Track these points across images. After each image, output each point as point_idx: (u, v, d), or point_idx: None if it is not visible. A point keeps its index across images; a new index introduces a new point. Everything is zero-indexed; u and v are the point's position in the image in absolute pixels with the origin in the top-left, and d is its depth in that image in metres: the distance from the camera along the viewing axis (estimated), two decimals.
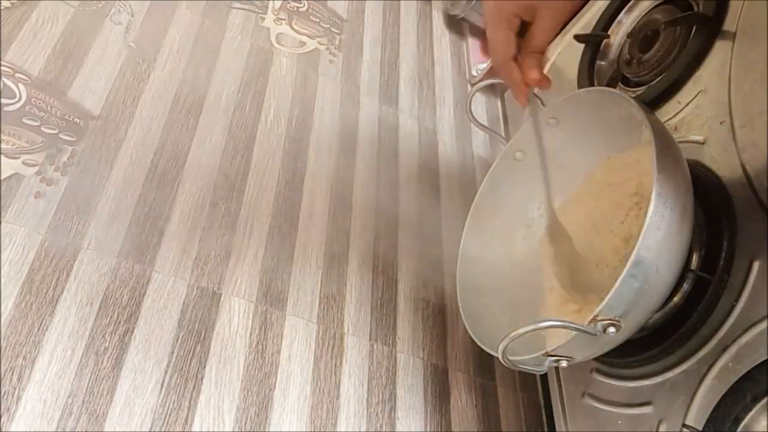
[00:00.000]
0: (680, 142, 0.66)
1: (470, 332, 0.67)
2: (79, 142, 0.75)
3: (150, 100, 0.83)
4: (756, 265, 0.55)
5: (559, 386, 0.75)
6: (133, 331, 0.66)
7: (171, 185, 0.78)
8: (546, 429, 0.83)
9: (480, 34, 1.31)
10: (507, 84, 0.57)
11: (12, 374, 0.59)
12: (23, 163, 0.70)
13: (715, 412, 0.53)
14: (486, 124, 1.17)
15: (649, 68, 0.76)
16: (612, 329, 0.51)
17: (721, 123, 0.62)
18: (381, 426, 0.74)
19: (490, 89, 1.26)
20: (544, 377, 0.85)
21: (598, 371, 0.69)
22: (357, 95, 1.05)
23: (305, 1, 1.12)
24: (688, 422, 0.55)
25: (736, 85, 0.62)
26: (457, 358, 0.85)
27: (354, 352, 0.78)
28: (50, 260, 0.66)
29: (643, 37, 0.79)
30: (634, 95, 0.76)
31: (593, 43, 0.89)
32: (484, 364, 0.86)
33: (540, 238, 0.77)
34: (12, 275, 0.64)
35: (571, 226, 0.71)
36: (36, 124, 0.73)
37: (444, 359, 0.84)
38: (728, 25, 0.66)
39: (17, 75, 0.76)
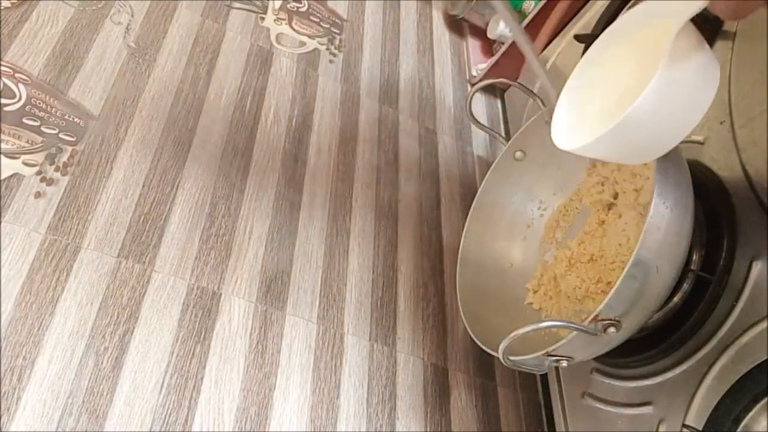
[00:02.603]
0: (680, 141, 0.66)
1: (470, 332, 0.67)
2: (79, 142, 0.75)
3: (150, 100, 0.83)
4: (756, 265, 0.55)
5: (559, 386, 0.75)
6: (133, 331, 0.66)
7: (171, 185, 0.78)
8: (546, 429, 0.83)
9: (480, 34, 1.31)
10: None
11: (12, 374, 0.59)
12: (23, 163, 0.70)
13: (715, 412, 0.53)
14: (486, 124, 1.17)
15: None
16: (612, 329, 0.51)
17: (721, 123, 0.62)
18: (381, 426, 0.74)
19: (490, 89, 1.26)
20: (544, 377, 0.85)
21: (599, 371, 0.69)
22: (357, 95, 1.05)
23: (305, 1, 1.12)
24: (688, 422, 0.55)
25: (736, 85, 0.62)
26: (457, 358, 0.85)
27: (354, 352, 0.78)
28: (50, 260, 0.66)
29: None
30: None
31: (593, 43, 0.88)
32: (484, 364, 0.86)
33: (540, 237, 0.78)
34: (12, 275, 0.64)
35: None
36: (36, 124, 0.73)
37: (444, 359, 0.84)
38: (728, 25, 0.66)
39: (17, 75, 0.76)
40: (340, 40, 1.11)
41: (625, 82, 0.42)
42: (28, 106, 0.74)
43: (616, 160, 0.53)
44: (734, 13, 0.37)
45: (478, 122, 0.79)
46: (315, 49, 1.06)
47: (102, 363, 0.63)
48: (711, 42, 0.68)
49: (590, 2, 0.98)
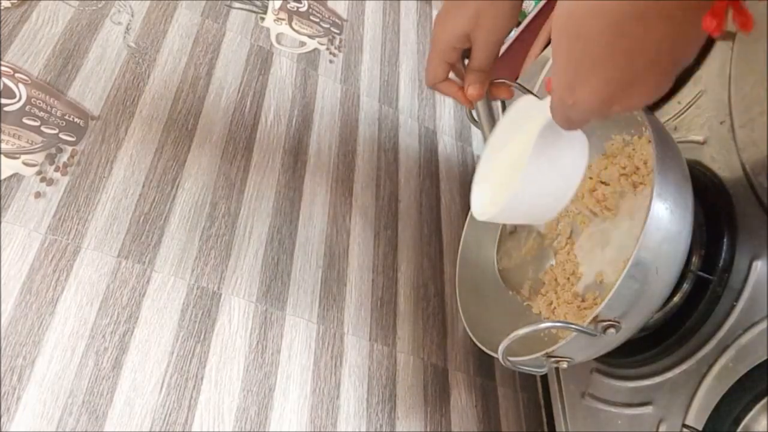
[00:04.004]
0: (680, 142, 0.66)
1: (470, 333, 0.67)
2: (79, 142, 0.75)
3: (150, 100, 0.83)
4: (756, 265, 0.55)
5: (560, 386, 0.75)
6: (133, 331, 0.67)
7: (171, 185, 0.78)
8: (546, 429, 0.83)
9: None
10: None
11: (12, 374, 0.59)
12: (23, 163, 0.70)
13: (715, 412, 0.53)
14: None
15: None
16: (612, 330, 0.51)
17: (721, 123, 0.62)
18: (381, 426, 0.74)
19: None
20: (544, 377, 0.85)
21: (599, 371, 0.69)
22: (357, 95, 1.05)
23: (305, 1, 1.12)
24: (688, 422, 0.55)
25: (736, 85, 0.62)
26: (457, 358, 0.85)
27: (354, 352, 0.78)
28: (50, 260, 0.66)
29: None
30: None
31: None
32: (484, 364, 0.86)
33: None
34: (12, 275, 0.64)
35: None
36: (36, 124, 0.73)
37: (444, 359, 0.84)
38: (728, 25, 0.66)
39: (17, 75, 0.76)
40: (340, 40, 1.11)
41: (520, 159, 0.49)
42: (28, 106, 0.74)
43: (515, 222, 0.69)
44: (565, 124, 0.43)
45: (478, 123, 0.79)
46: (315, 49, 1.06)
47: (102, 363, 0.63)
48: (711, 42, 0.68)
49: None
